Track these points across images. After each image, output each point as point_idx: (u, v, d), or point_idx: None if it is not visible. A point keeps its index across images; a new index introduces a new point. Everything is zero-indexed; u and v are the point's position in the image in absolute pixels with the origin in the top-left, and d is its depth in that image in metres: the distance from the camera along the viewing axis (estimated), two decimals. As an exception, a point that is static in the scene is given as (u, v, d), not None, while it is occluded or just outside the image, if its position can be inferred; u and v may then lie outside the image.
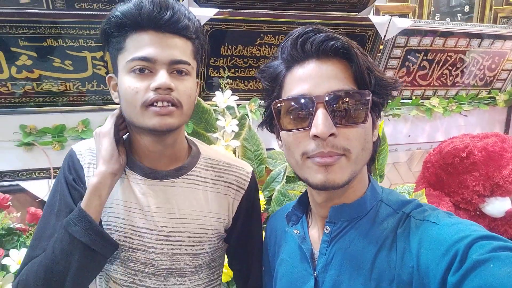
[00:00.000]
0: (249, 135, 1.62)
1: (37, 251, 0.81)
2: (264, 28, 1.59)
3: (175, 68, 0.80)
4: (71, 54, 1.41)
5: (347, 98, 0.63)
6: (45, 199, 1.50)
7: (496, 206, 1.84)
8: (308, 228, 0.79)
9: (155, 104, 0.78)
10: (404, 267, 0.61)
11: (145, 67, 0.78)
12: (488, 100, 2.30)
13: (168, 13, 0.77)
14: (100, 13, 1.37)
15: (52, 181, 1.49)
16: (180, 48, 0.80)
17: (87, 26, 1.37)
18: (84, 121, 1.52)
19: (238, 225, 0.95)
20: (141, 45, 0.78)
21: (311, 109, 0.62)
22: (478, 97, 2.27)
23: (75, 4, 1.37)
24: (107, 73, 1.47)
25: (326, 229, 0.71)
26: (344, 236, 0.70)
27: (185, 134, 0.96)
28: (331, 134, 0.61)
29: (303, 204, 0.82)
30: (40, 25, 1.33)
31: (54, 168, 1.49)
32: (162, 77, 0.77)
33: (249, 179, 0.96)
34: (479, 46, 2.05)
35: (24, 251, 1.28)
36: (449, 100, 2.18)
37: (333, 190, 0.65)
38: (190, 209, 0.89)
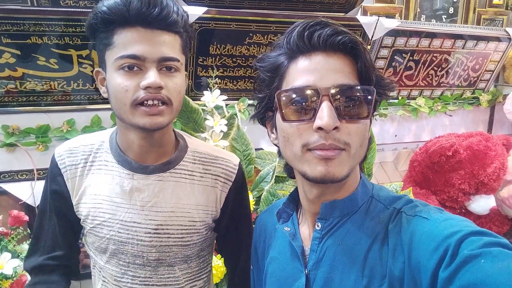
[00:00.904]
0: (238, 135, 1.62)
1: (37, 250, 0.96)
2: (253, 27, 1.59)
3: (164, 65, 0.79)
4: (56, 52, 1.38)
5: (353, 93, 0.63)
6: (28, 201, 1.46)
7: (481, 204, 1.87)
8: (298, 225, 0.78)
9: (145, 103, 0.77)
10: (396, 262, 0.61)
11: (134, 65, 0.77)
12: (472, 100, 2.34)
13: (156, 9, 0.76)
14: (86, 10, 1.34)
15: (35, 183, 1.45)
16: (169, 45, 0.79)
17: (73, 23, 1.33)
18: (69, 121, 1.48)
19: (226, 215, 0.97)
20: (129, 42, 0.76)
21: (316, 101, 0.62)
22: (462, 97, 2.31)
23: (61, 1, 1.34)
24: (93, 71, 1.44)
25: (317, 225, 0.71)
26: (335, 233, 0.69)
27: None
28: (335, 128, 0.61)
29: (294, 201, 0.81)
30: (24, 22, 1.29)
31: (37, 170, 1.45)
32: (152, 76, 0.76)
33: (236, 171, 0.97)
34: (463, 47, 2.08)
35: (6, 255, 1.24)
36: (434, 100, 2.21)
37: (331, 183, 0.64)
38: (178, 202, 0.90)
